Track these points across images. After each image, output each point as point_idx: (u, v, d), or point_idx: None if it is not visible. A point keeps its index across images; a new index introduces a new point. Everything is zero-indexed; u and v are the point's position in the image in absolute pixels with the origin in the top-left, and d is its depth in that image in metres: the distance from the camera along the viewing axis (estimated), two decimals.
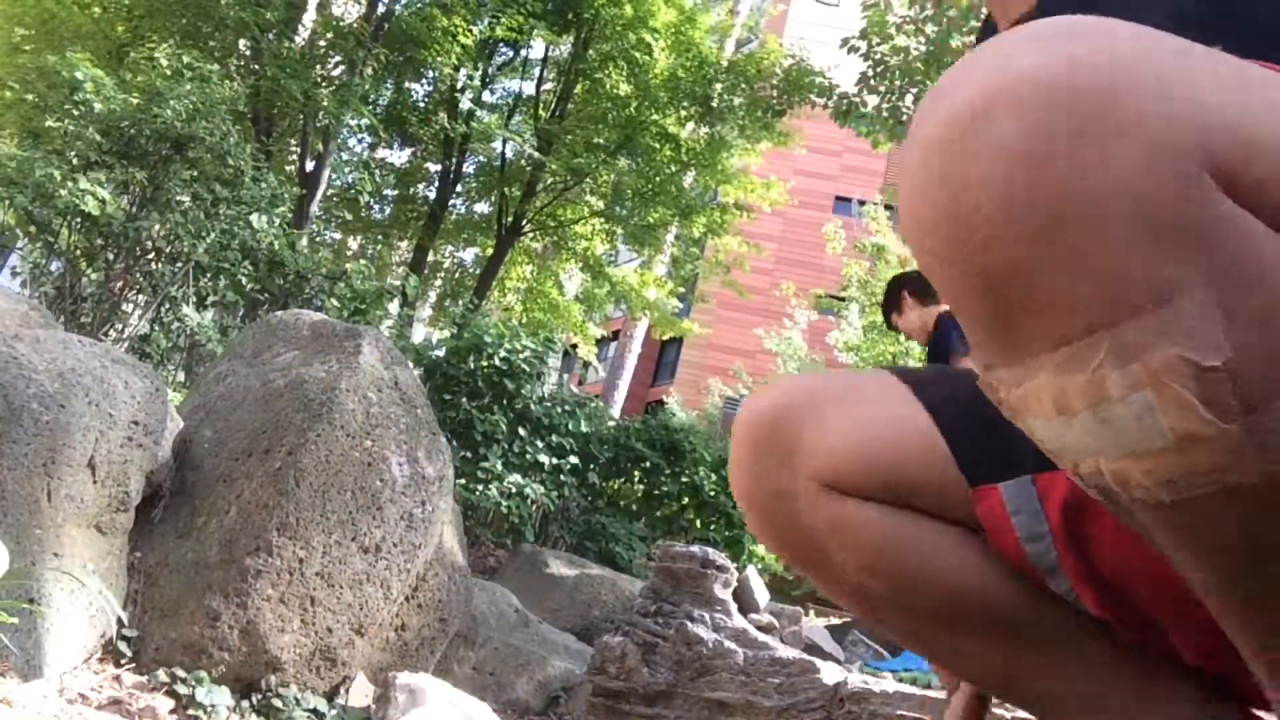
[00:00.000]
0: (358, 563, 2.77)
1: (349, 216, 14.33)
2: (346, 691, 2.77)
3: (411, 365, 4.30)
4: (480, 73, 12.61)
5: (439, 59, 11.37)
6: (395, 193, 14.66)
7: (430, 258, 14.05)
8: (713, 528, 7.29)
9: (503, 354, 6.38)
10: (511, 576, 5.27)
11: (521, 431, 6.38)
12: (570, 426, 6.72)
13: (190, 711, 2.39)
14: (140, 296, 5.97)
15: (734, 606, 3.44)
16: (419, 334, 14.94)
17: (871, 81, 10.28)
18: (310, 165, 11.03)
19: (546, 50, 12.78)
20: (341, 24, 11.72)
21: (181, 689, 2.42)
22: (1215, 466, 0.49)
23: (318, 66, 11.32)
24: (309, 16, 11.46)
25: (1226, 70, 0.51)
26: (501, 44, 12.48)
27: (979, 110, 0.49)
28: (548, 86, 13.53)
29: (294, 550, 2.65)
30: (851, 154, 28.07)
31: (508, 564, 5.83)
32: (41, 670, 2.21)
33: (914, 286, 4.00)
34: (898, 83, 10.20)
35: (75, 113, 5.76)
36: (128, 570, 2.61)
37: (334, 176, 12.68)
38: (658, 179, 12.48)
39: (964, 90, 0.50)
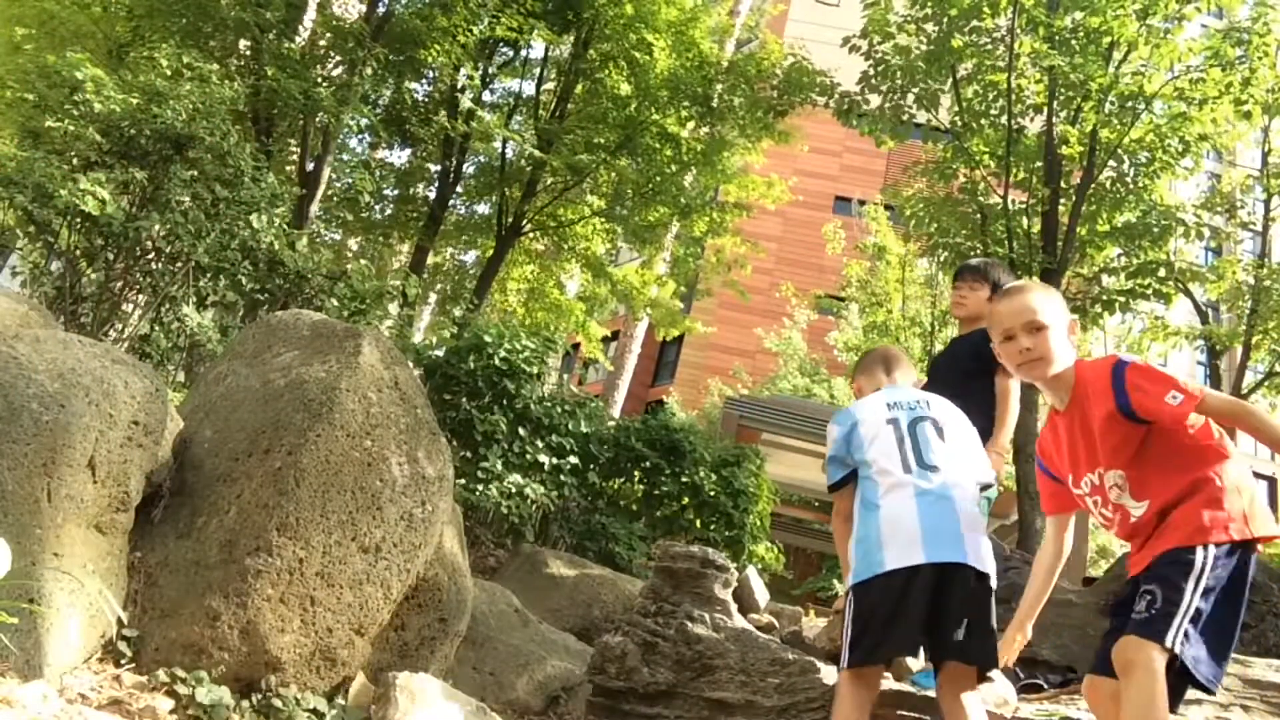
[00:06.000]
0: (358, 563, 2.77)
1: (349, 217, 14.30)
2: (346, 691, 2.77)
3: (411, 365, 4.31)
4: (480, 72, 12.59)
5: (439, 59, 11.35)
6: (395, 193, 14.64)
7: (430, 259, 14.03)
8: (713, 528, 7.29)
9: (503, 354, 6.37)
10: (511, 576, 5.27)
11: (521, 431, 6.38)
12: (570, 426, 6.72)
13: (190, 711, 2.39)
14: (140, 296, 5.97)
15: (734, 606, 3.44)
16: (417, 341, 14.90)
17: (873, 80, 10.28)
18: (310, 165, 11.02)
19: (546, 50, 12.75)
20: (341, 24, 11.71)
21: (181, 689, 2.41)
22: None
23: (318, 66, 11.31)
24: (309, 16, 11.44)
25: None
26: (501, 44, 12.45)
27: None
28: (548, 86, 13.51)
29: (294, 550, 2.65)
30: (851, 154, 28.07)
31: (508, 564, 5.83)
32: (41, 670, 2.20)
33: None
34: (899, 81, 10.20)
35: (75, 113, 5.75)
36: (128, 570, 2.61)
37: (334, 176, 12.65)
38: (658, 178, 12.47)
39: None
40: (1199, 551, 2.08)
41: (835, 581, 15.72)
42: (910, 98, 10.27)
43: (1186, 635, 2.04)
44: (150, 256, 5.89)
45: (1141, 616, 2.09)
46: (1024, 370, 2.35)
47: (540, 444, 6.46)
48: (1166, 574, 2.12)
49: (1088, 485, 2.33)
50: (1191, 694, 2.84)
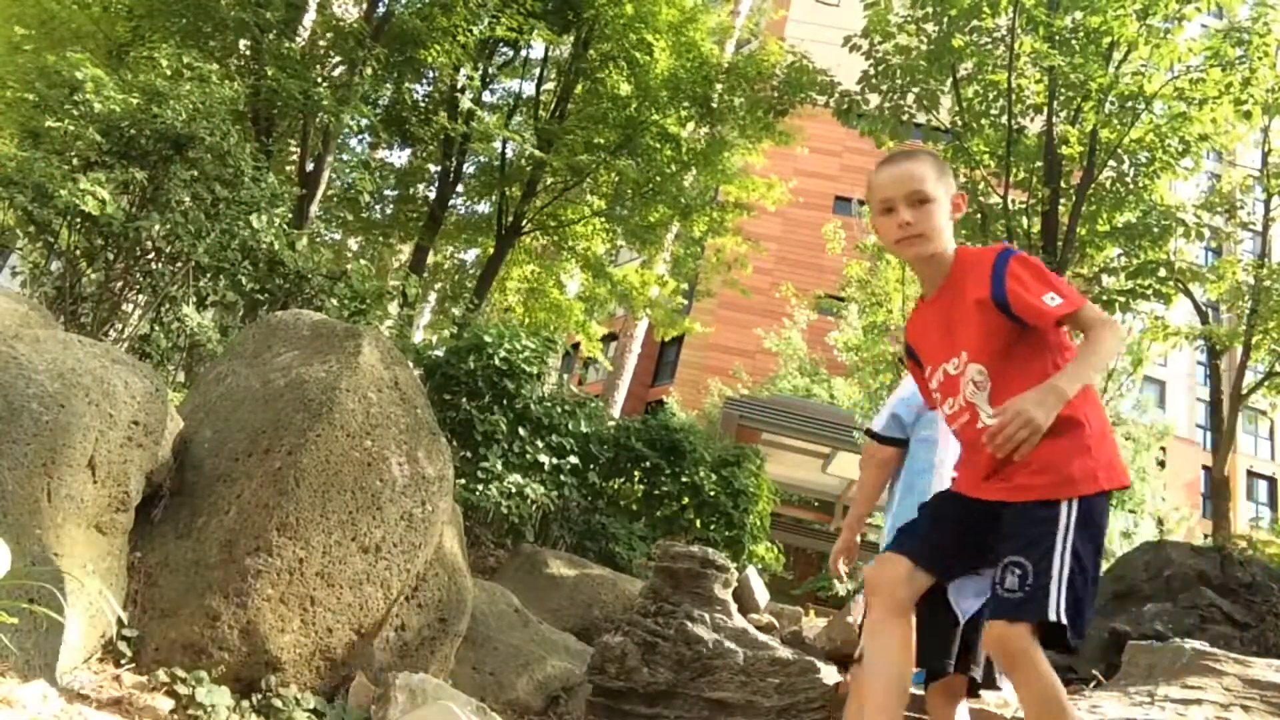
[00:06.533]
0: (358, 563, 2.77)
1: (349, 217, 14.32)
2: (346, 691, 2.77)
3: (411, 365, 4.31)
4: (480, 73, 12.59)
5: (439, 59, 11.36)
6: (395, 193, 14.65)
7: (430, 259, 14.04)
8: (713, 528, 7.29)
9: (503, 354, 6.38)
10: (511, 576, 5.27)
11: (521, 431, 6.38)
12: (570, 426, 6.72)
13: (190, 711, 2.39)
14: (140, 296, 5.97)
15: (734, 606, 3.44)
16: (416, 340, 14.91)
17: (873, 80, 10.28)
18: (310, 165, 11.03)
19: (546, 50, 12.76)
20: (341, 24, 11.71)
21: (181, 689, 2.41)
22: None
23: (318, 66, 11.32)
24: (309, 16, 11.44)
25: None
26: (501, 44, 12.46)
27: None
28: (548, 86, 13.52)
29: (294, 550, 2.65)
30: (852, 154, 28.07)
31: (508, 564, 5.83)
32: (41, 670, 2.20)
33: None
34: (899, 81, 10.20)
35: (75, 113, 5.75)
36: (128, 570, 2.61)
37: (334, 176, 12.66)
38: (658, 178, 12.47)
39: None
40: (1064, 507, 1.88)
41: (835, 581, 15.71)
42: (910, 98, 10.27)
43: (1070, 602, 1.85)
44: (150, 256, 5.90)
45: (1015, 596, 1.87)
46: (900, 247, 2.10)
47: (540, 444, 6.46)
48: (1034, 536, 1.90)
49: (941, 376, 2.13)
50: (1191, 694, 2.83)
